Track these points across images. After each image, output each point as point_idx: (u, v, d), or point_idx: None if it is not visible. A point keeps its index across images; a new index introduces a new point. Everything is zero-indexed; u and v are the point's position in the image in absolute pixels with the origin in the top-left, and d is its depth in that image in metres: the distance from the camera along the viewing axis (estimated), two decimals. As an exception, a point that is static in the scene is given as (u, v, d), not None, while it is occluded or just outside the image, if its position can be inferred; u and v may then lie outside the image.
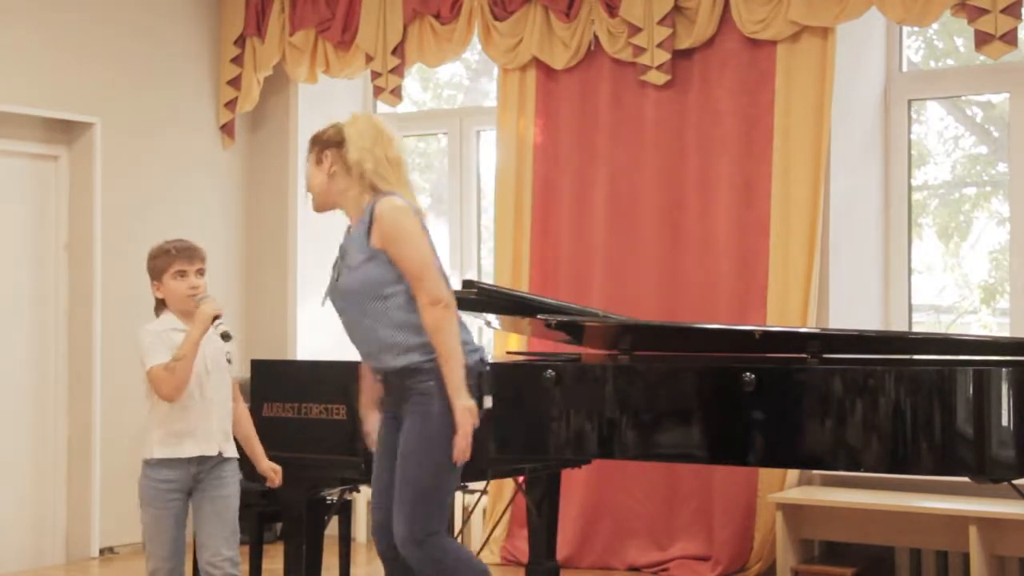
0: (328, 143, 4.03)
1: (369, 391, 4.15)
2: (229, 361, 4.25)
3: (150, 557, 4.19)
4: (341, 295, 4.01)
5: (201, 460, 4.15)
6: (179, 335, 4.15)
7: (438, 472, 3.89)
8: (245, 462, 4.37)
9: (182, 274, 4.18)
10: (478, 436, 3.90)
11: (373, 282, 3.91)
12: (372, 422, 4.13)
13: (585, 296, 6.46)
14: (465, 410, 3.83)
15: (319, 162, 4.04)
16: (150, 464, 4.16)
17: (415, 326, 3.89)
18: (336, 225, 8.17)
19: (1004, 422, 4.06)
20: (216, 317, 4.12)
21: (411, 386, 3.90)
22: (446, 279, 3.97)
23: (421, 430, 3.88)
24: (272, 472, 4.38)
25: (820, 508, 5.91)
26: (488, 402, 4.00)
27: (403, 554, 3.90)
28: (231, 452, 4.23)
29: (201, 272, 4.22)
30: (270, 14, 7.45)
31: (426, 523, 3.86)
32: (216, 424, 4.18)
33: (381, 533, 4.02)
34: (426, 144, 8.12)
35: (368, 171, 3.96)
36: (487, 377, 4.00)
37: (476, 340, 4.18)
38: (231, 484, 4.21)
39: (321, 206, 4.12)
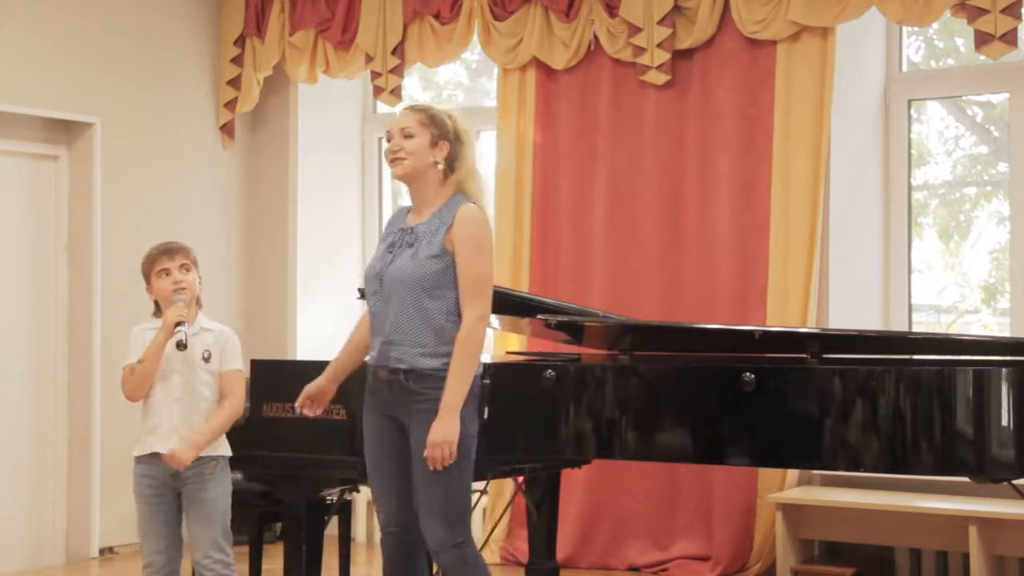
0: (449, 135, 4.00)
1: (338, 369, 4.14)
2: (206, 360, 4.23)
3: (142, 551, 4.27)
4: (393, 279, 3.95)
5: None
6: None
7: (465, 477, 3.95)
8: (247, 461, 4.36)
9: (166, 272, 4.24)
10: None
11: (434, 280, 3.92)
12: (319, 386, 4.11)
13: (585, 296, 6.45)
14: (453, 428, 3.83)
15: (434, 145, 3.99)
16: (135, 461, 4.27)
17: (450, 335, 3.91)
18: (336, 225, 8.15)
19: (1004, 422, 4.05)
20: (179, 323, 4.13)
21: (423, 392, 3.90)
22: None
23: None
24: (170, 457, 4.15)
25: (820, 508, 5.91)
26: (485, 413, 4.08)
27: (440, 559, 3.92)
28: (207, 451, 4.21)
29: (186, 268, 4.26)
30: (270, 14, 7.44)
31: (464, 527, 3.93)
32: (178, 423, 4.18)
33: (393, 527, 4.02)
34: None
35: (477, 177, 4.03)
36: (486, 390, 4.07)
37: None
38: (215, 485, 4.21)
39: (406, 177, 4.04)
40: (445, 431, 3.83)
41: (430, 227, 3.97)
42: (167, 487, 4.20)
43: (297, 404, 4.16)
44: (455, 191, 4.01)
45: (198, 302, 4.33)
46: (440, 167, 4.00)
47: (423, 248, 3.94)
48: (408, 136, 3.99)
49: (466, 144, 4.04)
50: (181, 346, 4.12)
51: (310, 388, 4.15)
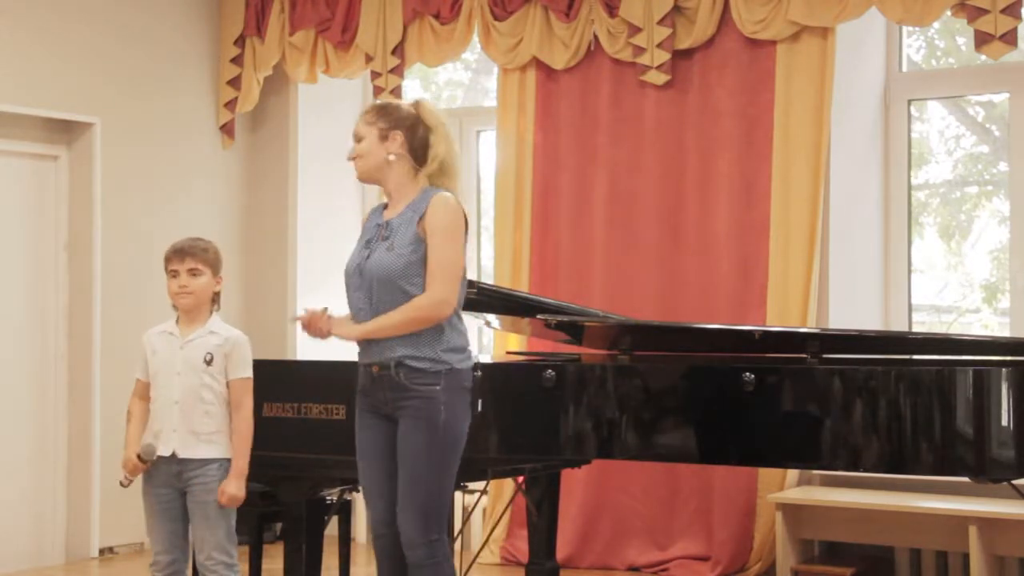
0: (402, 123, 3.96)
1: None
2: (208, 363, 4.16)
3: (151, 549, 4.27)
4: (372, 272, 3.95)
5: (178, 460, 4.15)
6: (162, 339, 4.22)
7: (450, 475, 3.95)
8: (254, 462, 4.32)
9: (174, 273, 4.20)
10: (474, 436, 4.01)
11: (415, 270, 3.90)
12: None
13: (585, 296, 6.45)
14: (352, 331, 3.96)
15: (384, 139, 3.95)
16: None
17: (438, 326, 3.91)
18: (336, 225, 8.14)
19: (1004, 422, 4.06)
20: (140, 456, 4.14)
21: (414, 387, 3.90)
22: (463, 292, 3.99)
23: (429, 436, 3.89)
24: (223, 495, 4.13)
25: (820, 508, 5.91)
26: (479, 406, 4.08)
27: (410, 554, 3.92)
28: (203, 453, 4.15)
29: (195, 272, 4.18)
30: (270, 14, 7.44)
31: (439, 525, 3.92)
32: (177, 425, 4.14)
33: (384, 528, 4.03)
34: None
35: (449, 166, 3.97)
36: (478, 382, 4.05)
37: (476, 340, 4.23)
38: (217, 488, 4.16)
39: (366, 178, 4.04)
40: (352, 332, 3.95)
41: (404, 219, 3.95)
42: (172, 488, 4.18)
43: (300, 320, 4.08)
44: (428, 183, 3.98)
45: (215, 301, 4.26)
46: (391, 158, 3.95)
47: (398, 239, 3.93)
48: (358, 140, 4.00)
49: (436, 132, 3.97)
50: (141, 460, 4.14)
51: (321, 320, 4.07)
